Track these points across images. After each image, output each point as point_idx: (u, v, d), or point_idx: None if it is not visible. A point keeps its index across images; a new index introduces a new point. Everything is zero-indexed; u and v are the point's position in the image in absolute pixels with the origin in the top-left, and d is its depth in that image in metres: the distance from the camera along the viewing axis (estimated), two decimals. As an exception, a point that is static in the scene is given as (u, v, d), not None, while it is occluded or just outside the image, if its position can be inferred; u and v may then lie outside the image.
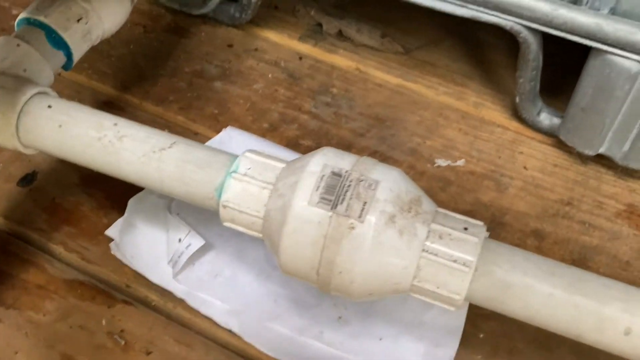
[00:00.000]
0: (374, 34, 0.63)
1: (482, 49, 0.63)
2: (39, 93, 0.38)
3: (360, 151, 0.54)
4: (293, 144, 0.54)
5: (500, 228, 0.50)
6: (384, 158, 0.53)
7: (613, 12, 0.45)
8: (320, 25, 0.65)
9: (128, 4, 0.47)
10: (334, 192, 0.30)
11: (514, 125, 0.57)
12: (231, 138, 0.52)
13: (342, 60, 0.62)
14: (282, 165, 0.34)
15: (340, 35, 0.64)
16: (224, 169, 0.34)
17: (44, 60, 0.41)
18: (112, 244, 0.45)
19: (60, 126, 0.36)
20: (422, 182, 0.52)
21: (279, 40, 0.64)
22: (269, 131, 0.55)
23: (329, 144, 0.54)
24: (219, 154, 0.35)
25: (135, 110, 0.56)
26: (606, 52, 0.45)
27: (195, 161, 0.35)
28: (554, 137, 0.54)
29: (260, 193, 0.33)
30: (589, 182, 0.53)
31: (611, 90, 0.46)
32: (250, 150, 0.35)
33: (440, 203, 0.50)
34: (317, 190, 0.30)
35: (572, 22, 0.44)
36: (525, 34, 0.47)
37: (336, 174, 0.31)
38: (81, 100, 0.56)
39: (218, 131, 0.55)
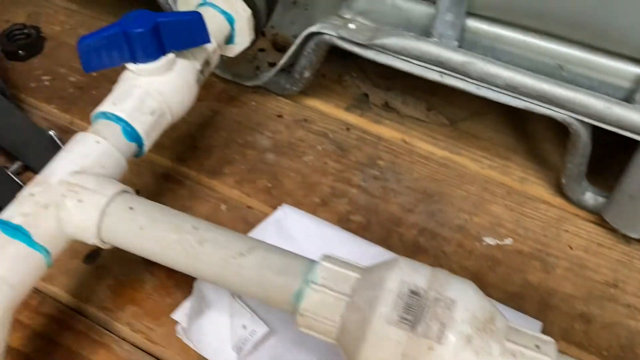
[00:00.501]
0: (419, 106, 0.65)
1: (526, 122, 0.64)
2: (119, 193, 0.40)
3: (409, 228, 0.55)
4: (344, 220, 0.56)
5: (549, 311, 0.51)
6: (433, 235, 0.55)
7: (664, 110, 0.46)
8: (366, 95, 0.67)
9: (195, 90, 0.49)
10: (413, 312, 0.32)
11: (558, 201, 0.58)
12: (287, 216, 0.53)
13: (388, 131, 0.63)
14: (357, 275, 0.35)
15: (386, 106, 0.66)
16: (301, 276, 0.35)
17: (120, 155, 0.43)
18: (178, 328, 0.46)
19: (141, 228, 0.38)
20: (471, 261, 0.53)
21: (327, 109, 0.66)
22: (320, 206, 0.57)
23: (379, 220, 0.56)
24: (295, 259, 0.37)
25: (192, 183, 0.58)
26: (657, 146, 0.47)
27: (273, 267, 0.36)
28: (597, 214, 0.56)
29: (337, 303, 0.34)
30: (633, 262, 0.54)
31: (659, 182, 0.48)
32: (326, 258, 0.36)
33: (489, 284, 0.52)
34: (395, 309, 0.32)
35: (625, 120, 0.46)
36: (577, 126, 0.49)
37: (414, 293, 0.33)
38: (140, 174, 0.58)
39: (271, 205, 0.56)
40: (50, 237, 0.38)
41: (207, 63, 0.50)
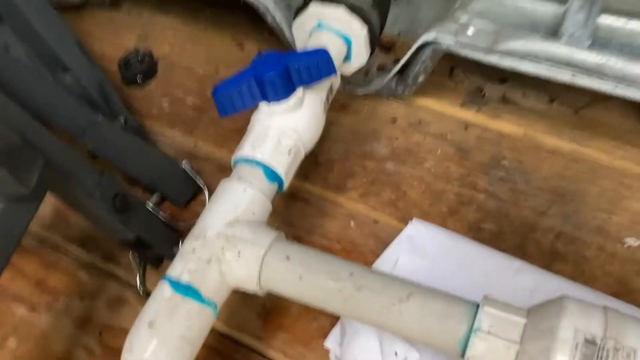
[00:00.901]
0: (541, 98, 0.62)
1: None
2: (274, 241, 0.41)
3: (545, 233, 0.54)
4: (475, 229, 0.55)
5: None
6: (571, 239, 0.54)
7: None
8: (479, 89, 0.65)
9: (324, 119, 0.50)
10: (592, 363, 0.32)
11: None
12: (418, 232, 0.54)
13: (508, 126, 0.61)
14: (524, 320, 0.35)
15: (504, 99, 0.63)
16: (465, 323, 0.36)
17: (266, 198, 0.45)
18: (331, 355, 0.49)
19: (300, 278, 0.40)
20: (615, 266, 0.52)
21: (441, 108, 0.64)
22: (449, 216, 0.57)
23: (511, 226, 0.55)
24: (455, 304, 0.37)
25: (318, 200, 0.59)
26: None
27: (435, 313, 0.37)
28: None
29: (506, 351, 0.34)
30: None
31: None
32: (488, 302, 0.36)
33: (635, 290, 0.50)
34: (573, 360, 0.32)
35: None
36: None
37: (590, 342, 0.32)
38: (269, 196, 0.60)
39: (398, 218, 0.57)
40: (216, 290, 0.41)
41: (330, 90, 0.51)
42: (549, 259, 0.53)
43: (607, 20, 0.47)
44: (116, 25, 0.79)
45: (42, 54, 0.50)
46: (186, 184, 0.59)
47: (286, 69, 0.45)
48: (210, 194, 0.59)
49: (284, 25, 0.60)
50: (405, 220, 0.57)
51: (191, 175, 0.59)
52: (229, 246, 0.41)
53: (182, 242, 0.52)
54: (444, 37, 0.53)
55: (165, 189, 0.58)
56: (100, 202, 0.46)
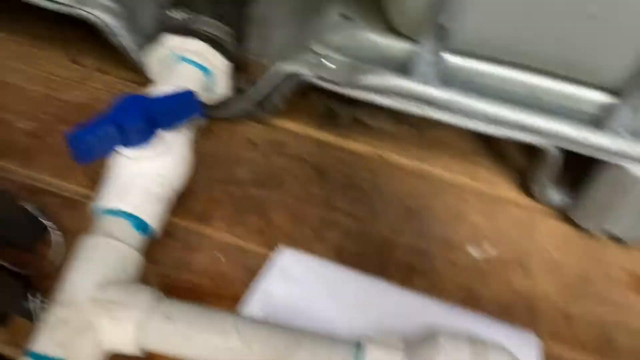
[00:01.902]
0: (389, 119, 0.66)
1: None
2: (151, 301, 0.39)
3: (402, 250, 0.58)
4: (340, 252, 0.58)
5: (536, 315, 0.57)
6: (424, 255, 0.58)
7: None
8: (332, 110, 0.67)
9: (193, 158, 0.48)
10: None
11: (527, 202, 0.63)
12: (287, 260, 0.55)
13: (361, 146, 0.65)
14: (404, 357, 0.38)
15: (355, 120, 0.66)
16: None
17: (137, 252, 0.42)
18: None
19: (184, 337, 0.38)
20: (463, 277, 0.58)
21: (298, 129, 0.66)
22: (315, 240, 0.58)
23: (373, 247, 0.58)
24: (341, 347, 0.39)
25: (184, 233, 0.57)
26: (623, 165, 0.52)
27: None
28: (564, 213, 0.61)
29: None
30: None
31: (623, 192, 0.53)
32: (368, 341, 0.39)
33: (483, 299, 0.57)
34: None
35: (595, 144, 0.50)
36: (552, 149, 0.53)
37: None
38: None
39: (267, 246, 0.57)
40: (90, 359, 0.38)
41: (197, 126, 0.49)
42: (408, 275, 0.57)
43: (453, 59, 0.52)
44: None
45: None
46: (29, 223, 0.53)
47: (150, 114, 0.42)
48: (60, 232, 0.54)
49: (132, 49, 0.57)
50: (273, 247, 0.57)
51: (33, 213, 0.53)
52: (104, 312, 0.38)
53: (35, 296, 0.48)
54: (304, 70, 0.54)
55: (4, 232, 0.52)
56: None
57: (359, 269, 0.56)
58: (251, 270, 0.56)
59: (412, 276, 0.58)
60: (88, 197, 0.59)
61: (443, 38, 0.48)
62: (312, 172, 0.63)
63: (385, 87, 0.53)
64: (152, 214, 0.43)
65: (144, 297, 0.39)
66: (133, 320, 0.38)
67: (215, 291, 0.55)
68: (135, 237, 0.42)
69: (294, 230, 0.59)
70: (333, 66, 0.54)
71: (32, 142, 0.62)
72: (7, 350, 0.50)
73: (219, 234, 0.58)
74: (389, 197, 0.62)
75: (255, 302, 0.52)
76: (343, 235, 0.59)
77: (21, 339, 0.50)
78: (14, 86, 0.65)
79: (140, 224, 0.43)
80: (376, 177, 0.63)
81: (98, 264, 0.40)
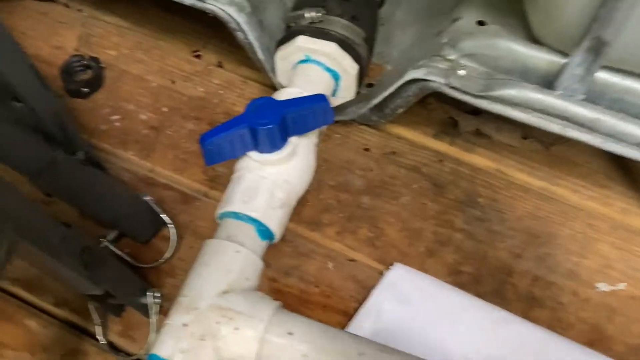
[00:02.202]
0: (514, 133, 0.62)
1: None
2: (273, 314, 0.38)
3: (521, 277, 0.55)
4: (454, 272, 0.55)
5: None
6: (546, 284, 0.54)
7: None
8: (453, 119, 0.64)
9: (315, 164, 0.46)
10: None
11: (664, 234, 0.57)
12: (401, 277, 0.52)
13: (481, 160, 0.61)
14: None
15: (477, 132, 0.63)
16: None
17: (259, 259, 0.41)
18: None
19: (305, 357, 0.37)
20: (588, 312, 0.53)
21: (414, 138, 0.63)
22: (428, 257, 0.56)
23: (489, 269, 0.55)
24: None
25: (294, 237, 0.56)
26: None
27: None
28: None
29: None
30: None
31: None
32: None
33: (608, 338, 0.52)
34: None
35: None
36: None
37: None
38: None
39: (377, 258, 0.55)
40: (210, 368, 0.37)
41: (321, 132, 0.47)
42: (527, 304, 0.53)
43: (603, 75, 0.47)
44: (52, 22, 0.71)
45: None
46: (149, 219, 0.54)
47: (283, 119, 0.41)
48: (176, 229, 0.54)
49: (256, 45, 0.56)
50: (383, 261, 0.55)
51: (155, 209, 0.54)
52: (224, 320, 0.37)
53: (152, 292, 0.48)
54: (434, 76, 0.51)
55: (126, 226, 0.53)
56: (66, 260, 0.40)
57: (474, 292, 0.53)
58: (359, 283, 0.54)
59: (532, 306, 0.53)
60: (204, 194, 0.59)
61: (600, 52, 0.43)
62: (428, 184, 0.60)
63: (524, 101, 0.49)
64: (276, 221, 0.42)
65: (266, 308, 0.38)
66: (255, 332, 0.37)
67: (323, 301, 0.53)
68: (259, 243, 0.41)
69: (406, 245, 0.56)
70: (464, 73, 0.51)
71: (152, 134, 0.62)
72: (118, 341, 0.51)
73: (328, 241, 0.56)
74: (509, 217, 0.58)
75: (366, 320, 0.50)
76: (458, 255, 0.56)
77: (133, 332, 0.51)
78: (137, 77, 0.66)
79: (264, 231, 0.42)
80: (496, 194, 0.59)
81: (222, 270, 0.39)
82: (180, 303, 0.39)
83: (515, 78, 0.50)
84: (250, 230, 0.41)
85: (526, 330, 0.50)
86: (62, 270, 0.41)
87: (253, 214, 0.41)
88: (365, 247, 0.56)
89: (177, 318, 0.38)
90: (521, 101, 0.49)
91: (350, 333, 0.40)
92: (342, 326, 0.51)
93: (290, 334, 0.37)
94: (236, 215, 0.42)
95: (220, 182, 0.59)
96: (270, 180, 0.42)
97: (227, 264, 0.39)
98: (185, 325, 0.37)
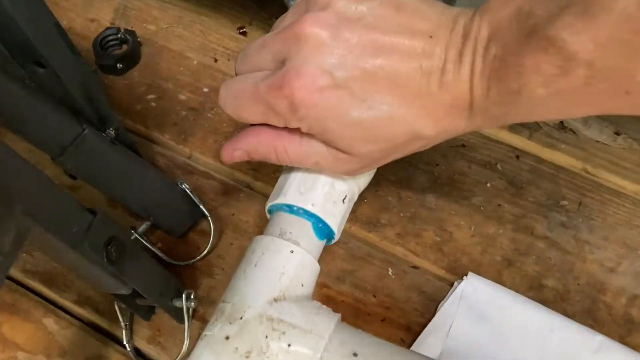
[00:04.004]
0: (605, 129, 0.54)
1: None
2: (335, 329, 0.31)
3: (615, 295, 0.46)
4: (536, 287, 0.47)
5: None
6: (646, 305, 0.46)
7: None
8: (532, 110, 0.55)
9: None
10: None
11: None
12: (476, 291, 0.44)
13: (565, 158, 0.53)
14: None
15: (561, 125, 0.55)
16: None
17: (315, 261, 0.34)
18: None
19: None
20: (699, 341, 0.45)
21: (487, 130, 0.55)
22: (505, 267, 0.48)
23: (579, 285, 0.47)
24: None
25: (348, 238, 0.49)
26: None
27: None
28: None
29: None
30: None
31: None
32: None
33: None
34: None
35: None
36: None
37: None
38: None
39: (445, 267, 0.47)
40: (256, 393, 0.30)
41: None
42: (624, 328, 0.45)
43: None
44: (89, -6, 0.65)
45: (7, 40, 0.37)
46: (185, 210, 0.47)
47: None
48: (213, 223, 0.48)
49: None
50: (453, 270, 0.47)
51: (193, 199, 0.47)
52: (275, 334, 0.30)
53: (188, 294, 0.42)
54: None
55: (159, 217, 0.46)
56: (89, 252, 0.34)
57: (561, 310, 0.45)
58: (424, 294, 0.46)
59: (631, 332, 0.45)
60: (247, 185, 0.52)
61: None
62: (503, 183, 0.52)
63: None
64: (335, 217, 0.35)
65: (326, 321, 0.31)
66: (312, 351, 0.30)
67: (381, 312, 0.46)
68: (316, 243, 0.34)
69: (479, 253, 0.48)
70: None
71: (191, 116, 0.56)
72: (147, 348, 0.44)
73: (387, 244, 0.49)
74: (600, 224, 0.50)
75: (435, 338, 0.42)
76: (541, 266, 0.48)
77: (163, 338, 0.44)
78: (177, 54, 0.60)
79: (323, 228, 0.35)
80: (584, 197, 0.51)
81: (274, 273, 0.32)
82: (222, 311, 0.32)
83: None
84: (307, 227, 0.34)
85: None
86: (83, 264, 0.35)
87: (310, 208, 0.34)
88: (431, 253, 0.48)
89: (217, 329, 0.31)
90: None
91: (423, 355, 0.32)
92: (405, 344, 0.44)
93: (354, 355, 0.30)
94: (291, 209, 0.35)
95: (266, 173, 0.52)
96: (332, 169, 0.35)
97: (280, 267, 0.32)
98: (227, 338, 0.30)
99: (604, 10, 0.24)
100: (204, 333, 0.31)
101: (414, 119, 0.30)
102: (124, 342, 0.43)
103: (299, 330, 0.30)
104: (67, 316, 0.45)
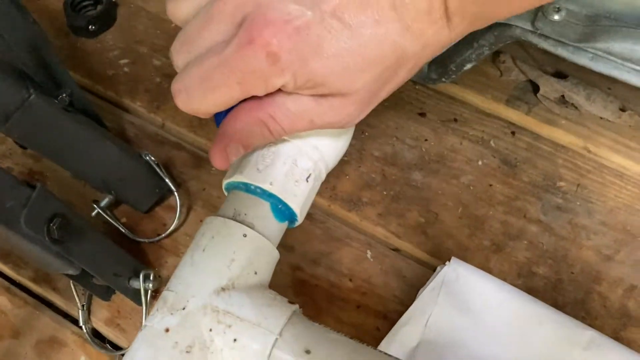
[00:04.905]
0: (609, 105, 0.49)
1: None
2: (287, 322, 0.28)
3: (611, 285, 0.43)
4: (526, 274, 0.43)
5: None
6: (644, 297, 0.42)
7: None
8: (532, 83, 0.51)
9: (353, 129, 0.36)
10: None
11: None
12: (459, 278, 0.41)
13: (565, 136, 0.49)
14: None
15: (561, 100, 0.50)
16: None
17: (272, 245, 0.31)
18: None
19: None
20: (701, 338, 0.41)
21: (481, 104, 0.51)
22: (493, 252, 0.44)
23: (572, 274, 0.43)
24: None
25: (325, 217, 0.46)
26: None
27: None
28: None
29: None
30: None
31: None
32: None
33: None
34: None
35: None
36: None
37: None
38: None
39: (427, 250, 0.44)
40: (197, 392, 0.27)
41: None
42: (619, 322, 0.42)
43: None
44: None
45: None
46: (151, 184, 0.44)
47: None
48: (180, 198, 0.45)
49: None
50: (437, 254, 0.44)
51: (159, 172, 0.44)
52: (220, 328, 0.27)
53: (146, 275, 0.39)
54: (517, 20, 0.39)
55: (122, 190, 0.43)
56: (24, 230, 0.31)
57: (551, 301, 0.42)
58: (404, 279, 0.43)
59: (625, 325, 0.42)
60: (219, 157, 0.49)
61: None
62: (496, 161, 0.48)
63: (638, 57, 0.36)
64: (297, 197, 0.32)
65: (279, 314, 0.28)
66: (260, 346, 0.27)
67: (357, 299, 0.43)
68: (275, 226, 0.31)
69: (467, 236, 0.45)
70: (559, 18, 0.39)
71: (166, 83, 0.53)
72: (105, 330, 0.42)
73: (368, 225, 0.46)
74: (599, 208, 0.46)
75: (412, 328, 0.39)
76: (532, 252, 0.44)
77: (123, 320, 0.42)
78: (155, 16, 0.56)
79: (283, 210, 0.31)
80: (583, 178, 0.47)
81: (223, 259, 0.29)
82: (164, 300, 0.29)
83: (630, 24, 0.37)
84: (264, 208, 0.31)
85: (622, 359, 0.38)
86: (22, 243, 0.32)
87: (269, 187, 0.31)
88: (414, 235, 0.45)
89: (157, 320, 0.28)
90: (635, 56, 0.37)
91: (388, 355, 0.29)
92: (381, 332, 0.41)
93: (307, 352, 0.27)
94: (247, 187, 0.31)
95: (242, 145, 0.49)
96: (294, 145, 0.32)
97: (230, 252, 0.29)
98: (167, 330, 0.27)
99: None
100: (144, 324, 0.29)
101: (396, 33, 0.28)
102: (80, 324, 0.40)
103: (247, 323, 0.27)
104: (22, 294, 0.43)
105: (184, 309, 0.28)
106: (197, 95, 0.30)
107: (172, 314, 0.28)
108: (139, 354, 0.27)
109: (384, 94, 0.32)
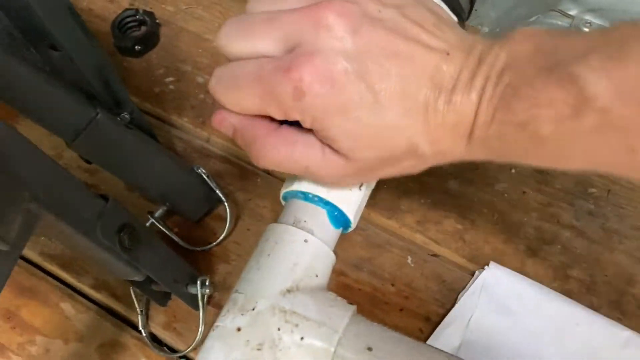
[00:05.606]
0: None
1: None
2: (350, 321, 0.30)
3: (645, 287, 0.45)
4: (561, 277, 0.45)
5: None
6: (677, 298, 0.44)
7: None
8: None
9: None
10: None
11: None
12: (498, 282, 0.43)
13: (594, 144, 0.51)
14: None
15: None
16: None
17: (330, 251, 0.33)
18: None
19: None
20: None
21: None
22: (528, 257, 0.46)
23: (604, 277, 0.45)
24: None
25: (366, 224, 0.48)
26: None
27: None
28: None
29: None
30: None
31: None
32: None
33: None
34: None
35: None
36: None
37: None
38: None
39: (466, 256, 0.46)
40: (268, 385, 0.30)
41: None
42: (653, 322, 0.44)
43: None
44: (107, -26, 0.64)
45: (20, 23, 0.36)
46: (202, 195, 0.47)
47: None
48: (230, 208, 0.47)
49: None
50: (474, 259, 0.46)
51: (210, 184, 0.46)
52: (288, 327, 0.30)
53: (203, 281, 0.41)
54: (550, 36, 0.42)
55: (176, 202, 0.46)
56: (101, 239, 0.33)
57: (587, 303, 0.43)
58: (445, 283, 0.45)
59: (660, 325, 0.43)
60: (265, 169, 0.52)
61: None
62: (530, 170, 0.50)
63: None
64: (352, 204, 0.34)
65: (341, 314, 0.30)
66: (325, 345, 0.29)
67: (400, 302, 0.45)
68: (332, 231, 0.33)
69: (502, 242, 0.47)
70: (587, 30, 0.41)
71: (209, 99, 0.55)
72: (162, 334, 0.44)
73: (407, 232, 0.48)
74: (630, 213, 0.48)
75: (454, 329, 0.41)
76: (566, 256, 0.46)
77: (179, 324, 0.44)
78: (195, 36, 0.59)
79: (339, 216, 0.34)
80: (613, 184, 0.49)
81: (287, 263, 0.31)
82: (234, 301, 0.31)
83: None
84: (322, 215, 0.33)
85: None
86: (96, 251, 0.34)
87: (325, 195, 0.33)
88: (452, 242, 0.47)
89: (229, 320, 0.30)
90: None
91: (441, 350, 0.31)
92: (424, 334, 0.43)
93: (369, 349, 0.29)
94: (305, 196, 0.34)
95: (284, 157, 0.51)
96: (349, 155, 0.34)
97: (293, 256, 0.32)
98: (239, 329, 0.30)
99: (634, 60, 0.24)
100: (216, 324, 0.31)
101: (415, 131, 0.29)
102: (140, 328, 0.43)
103: (312, 322, 0.30)
104: (84, 300, 0.45)
105: (253, 309, 0.30)
106: (223, 86, 0.33)
107: (242, 314, 0.30)
108: (214, 352, 0.30)
109: (382, 174, 0.33)
